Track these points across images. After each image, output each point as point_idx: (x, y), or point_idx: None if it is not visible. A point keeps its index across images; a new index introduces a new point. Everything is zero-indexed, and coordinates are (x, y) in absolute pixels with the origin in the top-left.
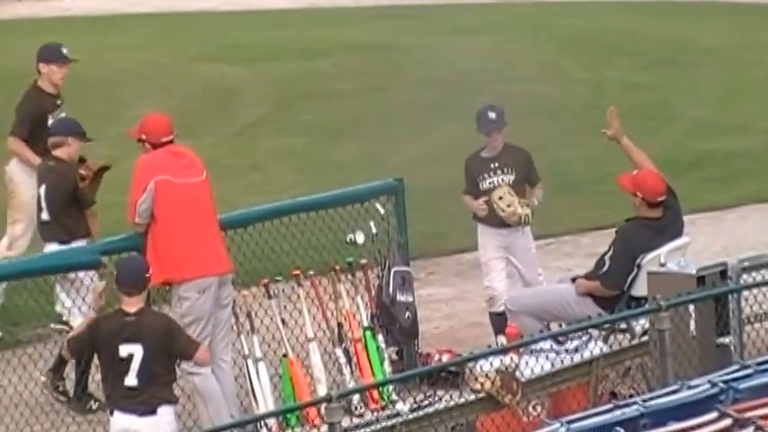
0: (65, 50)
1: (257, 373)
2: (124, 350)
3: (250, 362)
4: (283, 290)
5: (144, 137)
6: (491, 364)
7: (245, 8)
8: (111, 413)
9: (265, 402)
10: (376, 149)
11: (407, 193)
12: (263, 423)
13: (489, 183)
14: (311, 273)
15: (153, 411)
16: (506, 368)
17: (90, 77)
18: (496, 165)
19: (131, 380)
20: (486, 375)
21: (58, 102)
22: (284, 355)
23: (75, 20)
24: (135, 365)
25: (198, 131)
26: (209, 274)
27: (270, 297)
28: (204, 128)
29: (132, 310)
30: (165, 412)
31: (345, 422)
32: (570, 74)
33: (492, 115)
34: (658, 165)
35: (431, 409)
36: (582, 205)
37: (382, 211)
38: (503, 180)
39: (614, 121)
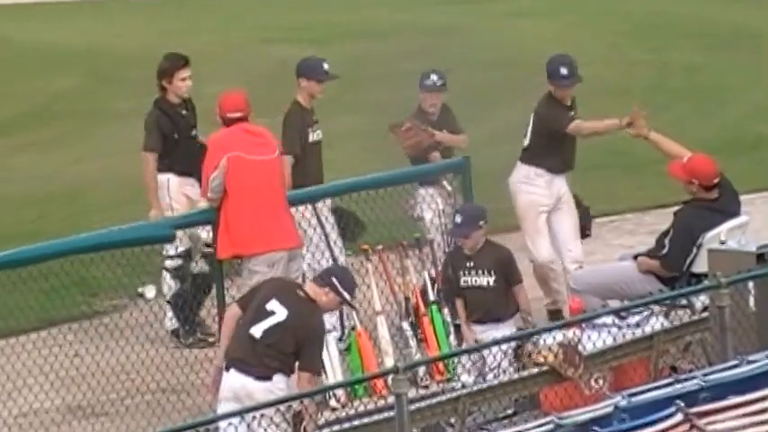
0: (326, 66)
1: (326, 345)
2: (272, 305)
3: None
4: (353, 264)
5: (219, 113)
6: (554, 338)
7: None
8: (227, 369)
9: (334, 374)
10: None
11: (473, 172)
12: (331, 393)
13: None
14: (380, 248)
15: (269, 377)
16: (569, 342)
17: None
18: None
19: (257, 331)
20: (550, 349)
21: (315, 118)
22: (353, 328)
23: (139, 3)
24: (269, 323)
25: (269, 111)
26: (279, 248)
27: None
28: (275, 107)
29: (308, 288)
30: (280, 380)
31: (411, 393)
32: (633, 56)
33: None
34: (717, 146)
35: (495, 382)
36: (644, 184)
37: (449, 188)
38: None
39: (638, 119)
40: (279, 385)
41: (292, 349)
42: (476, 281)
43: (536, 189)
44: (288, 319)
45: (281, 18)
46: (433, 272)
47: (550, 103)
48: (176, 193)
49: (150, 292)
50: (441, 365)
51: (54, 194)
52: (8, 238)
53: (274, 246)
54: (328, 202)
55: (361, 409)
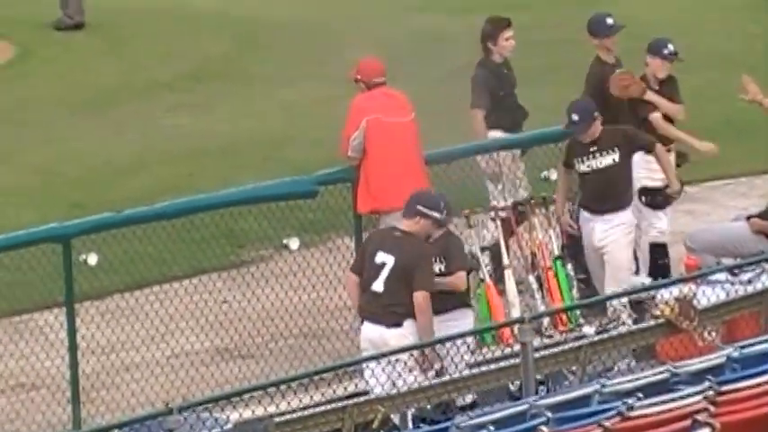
0: (609, 21)
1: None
2: (380, 257)
3: None
4: (482, 220)
5: (359, 77)
6: (671, 292)
7: None
8: (362, 322)
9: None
10: (570, 95)
11: None
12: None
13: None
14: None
15: (398, 324)
16: (685, 297)
17: (312, 21)
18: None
19: (378, 285)
20: (667, 303)
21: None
22: (482, 280)
23: None
24: (384, 274)
25: (406, 77)
26: None
27: (470, 227)
28: (412, 73)
29: (401, 228)
30: (410, 324)
31: (536, 342)
32: (747, 29)
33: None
34: None
35: (615, 333)
36: (757, 149)
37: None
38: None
39: (749, 85)
40: (410, 329)
41: (411, 287)
42: (600, 163)
43: None
44: (396, 262)
45: None
46: (557, 229)
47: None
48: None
49: (294, 243)
50: (564, 316)
51: (206, 151)
52: (163, 192)
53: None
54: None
55: (489, 355)
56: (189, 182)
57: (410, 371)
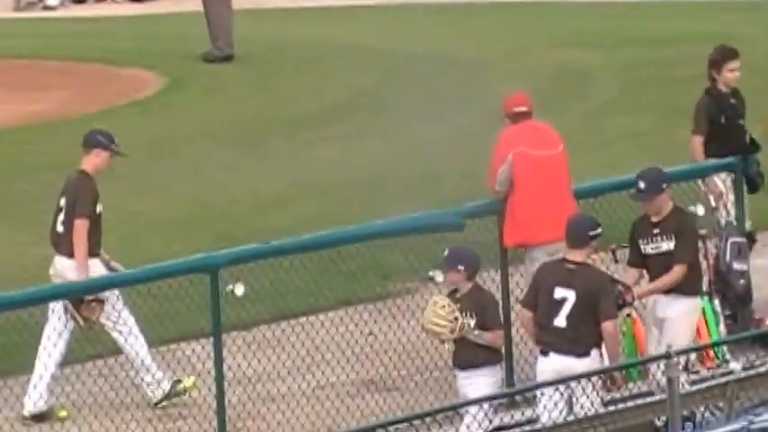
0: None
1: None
2: (559, 293)
3: None
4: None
5: (504, 111)
6: None
7: None
8: (545, 354)
9: (608, 358)
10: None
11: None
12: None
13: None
14: None
15: (587, 353)
16: None
17: (459, 55)
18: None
19: (561, 321)
20: None
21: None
22: (628, 315)
23: (430, 7)
24: (566, 309)
25: (554, 110)
26: (559, 239)
27: (616, 261)
28: (559, 107)
29: (574, 259)
30: (596, 354)
31: (682, 378)
32: None
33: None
34: None
35: (762, 369)
36: None
37: (721, 186)
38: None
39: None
40: (596, 359)
41: (596, 317)
42: (660, 247)
43: None
44: (578, 295)
45: (568, 25)
46: (704, 264)
47: None
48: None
49: (439, 276)
50: (710, 352)
51: (353, 183)
52: (310, 223)
53: (555, 236)
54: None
55: (635, 390)
56: (336, 214)
57: (596, 395)
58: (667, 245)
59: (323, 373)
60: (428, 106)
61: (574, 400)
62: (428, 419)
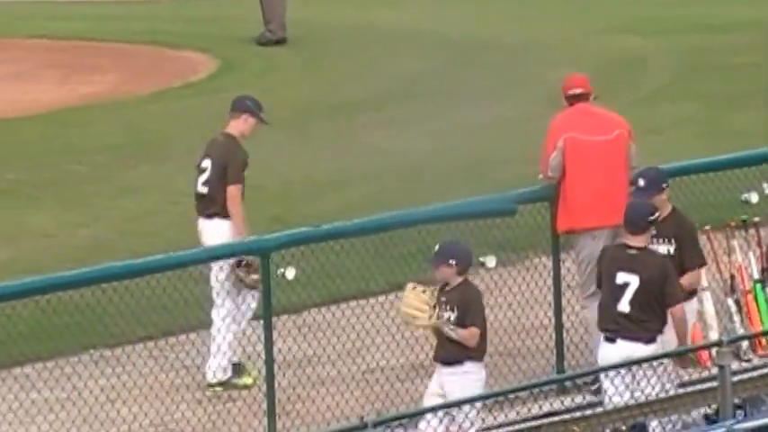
0: None
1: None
2: (621, 278)
3: None
4: None
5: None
6: None
7: None
8: (612, 341)
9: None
10: None
11: None
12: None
13: None
14: (707, 228)
15: (653, 339)
16: None
17: (516, 41)
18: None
19: (624, 306)
20: None
21: None
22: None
23: None
24: (629, 294)
25: (607, 96)
26: (603, 225)
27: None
28: (612, 93)
29: (635, 244)
30: (659, 339)
31: (734, 365)
32: None
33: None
34: None
35: None
36: None
37: None
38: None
39: None
40: (659, 345)
41: (660, 300)
42: (657, 249)
43: None
44: (642, 281)
45: (624, 11)
46: (757, 252)
47: None
48: None
49: (491, 261)
50: (763, 340)
51: (406, 168)
52: (361, 207)
53: (600, 222)
54: None
55: (686, 378)
56: (386, 198)
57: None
58: (666, 247)
59: (372, 356)
60: (485, 91)
61: (635, 385)
62: (478, 404)
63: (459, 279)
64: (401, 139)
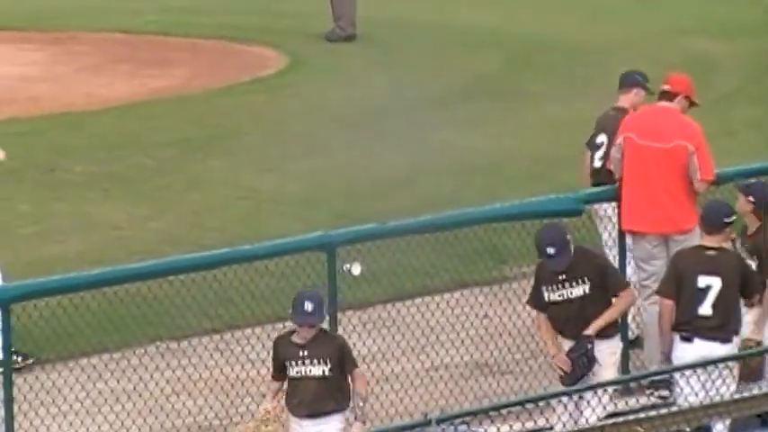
0: None
1: None
2: (703, 281)
3: None
4: None
5: None
6: None
7: None
8: (689, 340)
9: None
10: None
11: None
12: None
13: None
14: None
15: (730, 339)
16: None
17: (584, 41)
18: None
19: (706, 309)
20: None
21: None
22: None
23: None
24: (711, 296)
25: None
26: (645, 231)
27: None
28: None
29: (712, 245)
30: (737, 339)
31: None
32: None
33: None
34: None
35: None
36: None
37: None
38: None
39: None
40: (737, 344)
41: (738, 299)
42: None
43: None
44: (724, 283)
45: (695, 13)
46: None
47: None
48: None
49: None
50: None
51: (473, 167)
52: (428, 205)
53: (642, 227)
54: None
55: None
56: (453, 196)
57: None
58: (580, 290)
59: (437, 354)
60: (552, 91)
61: (710, 384)
62: (541, 404)
63: (313, 331)
64: (472, 138)
